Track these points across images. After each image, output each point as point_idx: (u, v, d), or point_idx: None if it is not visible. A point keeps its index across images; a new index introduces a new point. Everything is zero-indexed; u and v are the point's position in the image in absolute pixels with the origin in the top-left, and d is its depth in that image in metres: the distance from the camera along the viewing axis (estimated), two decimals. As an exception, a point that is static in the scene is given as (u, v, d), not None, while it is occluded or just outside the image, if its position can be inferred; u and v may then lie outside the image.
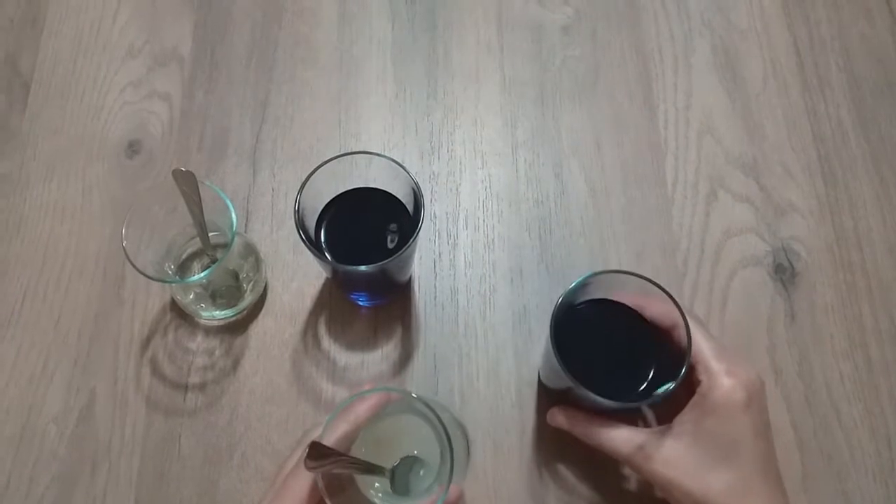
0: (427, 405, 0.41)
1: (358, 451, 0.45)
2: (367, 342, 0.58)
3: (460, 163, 0.65)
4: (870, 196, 0.63)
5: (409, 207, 0.53)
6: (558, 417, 0.51)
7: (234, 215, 0.51)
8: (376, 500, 0.45)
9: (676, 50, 0.69)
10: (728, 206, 0.63)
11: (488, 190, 0.64)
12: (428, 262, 0.61)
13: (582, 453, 0.55)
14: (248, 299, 0.58)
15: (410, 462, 0.46)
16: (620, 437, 0.47)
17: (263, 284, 0.59)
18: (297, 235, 0.48)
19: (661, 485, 0.45)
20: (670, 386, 0.44)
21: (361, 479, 0.45)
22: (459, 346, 0.58)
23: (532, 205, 0.63)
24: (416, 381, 0.57)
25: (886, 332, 0.59)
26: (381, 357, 0.58)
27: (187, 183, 0.50)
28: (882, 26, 0.70)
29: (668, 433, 0.46)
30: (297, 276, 0.60)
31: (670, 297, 0.46)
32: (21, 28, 0.69)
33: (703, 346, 0.46)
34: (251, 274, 0.59)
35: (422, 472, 0.46)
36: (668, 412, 0.48)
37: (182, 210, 0.52)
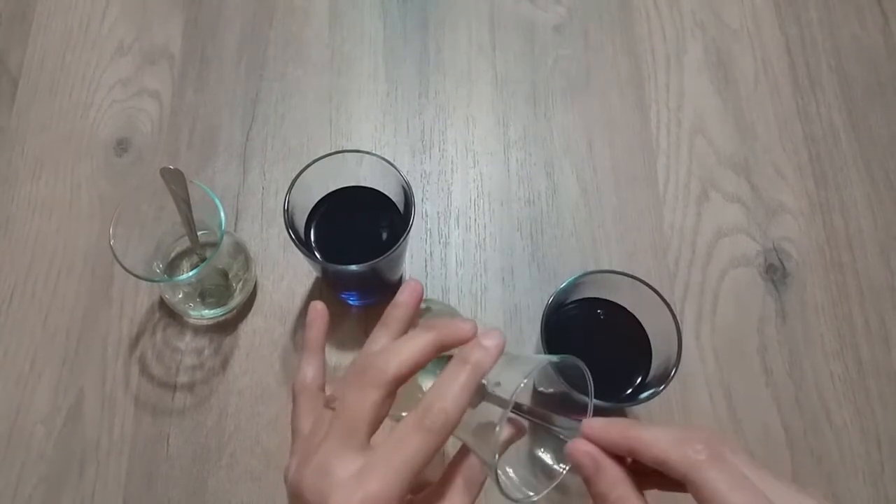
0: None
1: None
2: (357, 342, 0.58)
3: (452, 162, 0.64)
4: (860, 197, 0.64)
5: (400, 206, 0.52)
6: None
7: (222, 214, 0.50)
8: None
9: (668, 50, 0.69)
10: (719, 207, 0.63)
11: (480, 189, 0.63)
12: (419, 262, 0.61)
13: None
14: (238, 298, 0.58)
15: None
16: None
17: (253, 283, 0.59)
18: (287, 234, 0.47)
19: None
20: (658, 390, 0.44)
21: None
22: (450, 346, 0.58)
23: (524, 204, 0.63)
24: (407, 380, 0.57)
25: (877, 332, 0.59)
26: (371, 357, 0.58)
27: (176, 181, 0.50)
28: (873, 27, 0.70)
29: None
30: (288, 275, 0.60)
31: (661, 297, 0.46)
32: (9, 24, 0.68)
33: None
34: (241, 273, 0.59)
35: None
36: None
37: (171, 208, 0.52)
